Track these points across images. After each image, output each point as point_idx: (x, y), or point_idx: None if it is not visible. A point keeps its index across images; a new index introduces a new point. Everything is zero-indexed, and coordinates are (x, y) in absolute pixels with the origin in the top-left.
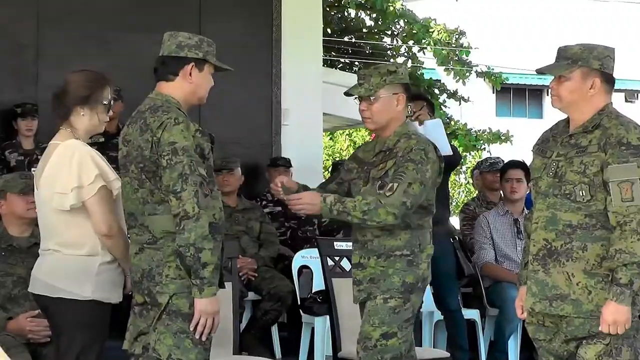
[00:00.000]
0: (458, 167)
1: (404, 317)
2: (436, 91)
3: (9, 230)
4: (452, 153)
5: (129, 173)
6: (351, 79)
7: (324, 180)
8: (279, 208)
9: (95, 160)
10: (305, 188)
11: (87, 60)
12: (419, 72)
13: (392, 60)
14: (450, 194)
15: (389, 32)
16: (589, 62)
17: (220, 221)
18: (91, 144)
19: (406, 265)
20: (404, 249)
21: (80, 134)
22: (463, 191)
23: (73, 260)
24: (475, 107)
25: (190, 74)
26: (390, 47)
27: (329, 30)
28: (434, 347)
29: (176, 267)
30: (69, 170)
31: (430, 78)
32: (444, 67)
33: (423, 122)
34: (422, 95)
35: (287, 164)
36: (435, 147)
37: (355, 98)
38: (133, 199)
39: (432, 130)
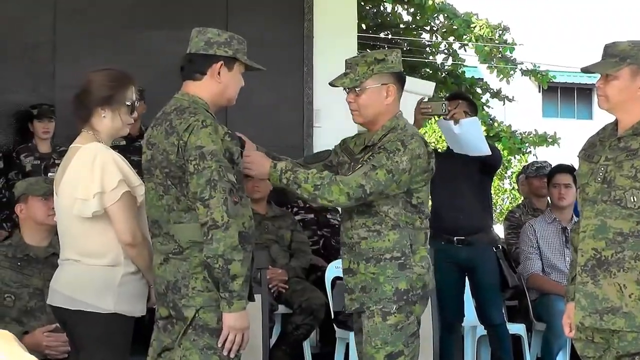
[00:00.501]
0: (502, 172)
1: (409, 332)
2: (478, 90)
3: (25, 239)
4: (490, 153)
5: (154, 178)
6: None
7: (311, 155)
8: (311, 215)
9: (119, 164)
10: (268, 155)
11: (106, 59)
12: (459, 70)
13: (431, 58)
14: (494, 200)
15: (428, 28)
16: (638, 59)
17: (250, 230)
18: (112, 147)
19: (398, 270)
20: (392, 250)
21: (102, 136)
22: (508, 197)
23: (94, 271)
24: (520, 108)
25: (218, 73)
26: (429, 43)
27: (363, 26)
28: None
29: (203, 279)
30: (91, 175)
31: (472, 77)
32: (486, 65)
33: (458, 120)
34: (461, 94)
35: None
36: (426, 142)
37: (344, 90)
38: (158, 206)
39: (468, 129)
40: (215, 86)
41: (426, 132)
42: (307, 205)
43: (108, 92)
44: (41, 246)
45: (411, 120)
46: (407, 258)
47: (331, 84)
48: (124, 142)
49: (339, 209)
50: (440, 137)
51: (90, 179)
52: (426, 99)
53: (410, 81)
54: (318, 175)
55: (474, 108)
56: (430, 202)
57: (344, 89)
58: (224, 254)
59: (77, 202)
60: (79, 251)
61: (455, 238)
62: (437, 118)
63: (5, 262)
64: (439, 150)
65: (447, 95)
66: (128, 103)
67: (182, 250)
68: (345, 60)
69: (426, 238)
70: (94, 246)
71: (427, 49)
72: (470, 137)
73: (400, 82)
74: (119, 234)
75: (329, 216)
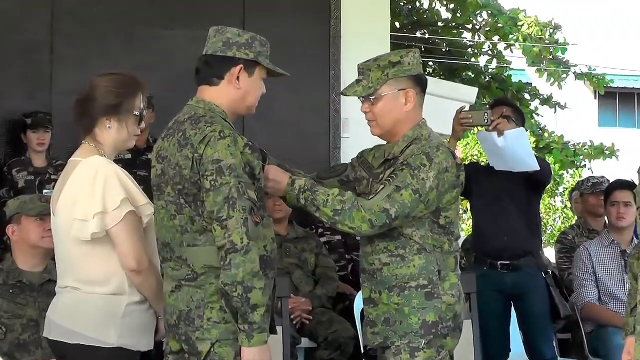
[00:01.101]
0: (553, 188)
1: None
2: (526, 96)
3: (18, 264)
4: (539, 169)
5: (164, 196)
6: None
7: (326, 169)
8: (339, 237)
9: (123, 181)
10: (280, 167)
11: (110, 62)
12: (505, 74)
13: (473, 60)
14: (543, 221)
15: (470, 26)
16: None
17: (272, 254)
18: (116, 161)
19: (425, 300)
20: (419, 277)
21: (106, 149)
22: (559, 217)
23: (95, 300)
24: (573, 116)
25: (237, 78)
26: (471, 43)
27: (397, 25)
28: None
29: (220, 309)
30: (92, 192)
31: (520, 81)
32: (535, 68)
33: (503, 132)
34: (506, 101)
35: None
36: (453, 154)
37: (360, 99)
38: (169, 227)
39: (514, 141)
40: (234, 92)
41: (468, 143)
42: (335, 228)
43: (115, 100)
44: (36, 272)
45: (449, 131)
46: (435, 286)
47: (343, 94)
48: (129, 156)
49: None
50: None
51: (90, 198)
52: (467, 108)
53: (450, 87)
54: (339, 199)
55: (520, 117)
56: (471, 222)
57: (358, 98)
58: (244, 281)
59: (75, 223)
60: (79, 278)
61: (499, 263)
62: (478, 129)
63: None
64: (481, 164)
65: (491, 102)
66: (136, 113)
67: (197, 276)
68: (358, 66)
69: (456, 263)
70: (95, 273)
71: (469, 50)
72: (516, 151)
73: (421, 85)
74: (123, 259)
75: (358, 238)
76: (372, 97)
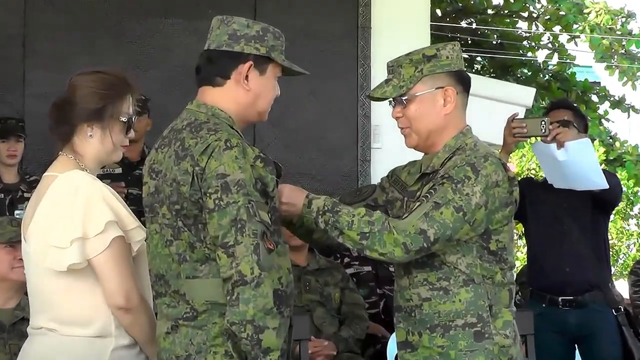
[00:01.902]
0: (626, 209)
1: None
2: (594, 98)
3: None
4: (607, 186)
5: (158, 218)
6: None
7: (350, 192)
8: (368, 268)
9: (108, 200)
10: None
11: (95, 58)
12: (568, 71)
13: (529, 54)
14: (614, 247)
15: (526, 15)
16: None
17: (289, 288)
18: (103, 177)
19: (473, 341)
20: (466, 315)
21: (87, 162)
22: (634, 243)
23: (76, 344)
24: None
25: (246, 77)
26: (528, 35)
27: (439, 12)
28: None
29: (225, 354)
30: (70, 214)
31: (586, 80)
32: (605, 64)
33: (563, 143)
34: (566, 103)
35: None
36: (504, 165)
37: (390, 104)
38: (164, 256)
39: (576, 154)
40: (243, 94)
41: (524, 154)
42: (363, 255)
43: (97, 104)
44: (7, 309)
45: (501, 141)
46: (486, 324)
47: (370, 97)
48: (119, 170)
49: None
50: None
51: (68, 220)
52: (521, 113)
53: (501, 87)
54: (366, 219)
55: (583, 123)
56: (527, 250)
57: (389, 101)
58: (255, 319)
59: (50, 250)
60: (55, 317)
61: (560, 299)
62: (534, 139)
63: None
64: (536, 179)
65: (548, 104)
66: (123, 119)
67: (197, 314)
68: (387, 64)
69: (511, 297)
70: (75, 311)
71: (525, 42)
72: (580, 166)
73: (463, 83)
74: (108, 295)
75: (391, 269)
76: (404, 98)
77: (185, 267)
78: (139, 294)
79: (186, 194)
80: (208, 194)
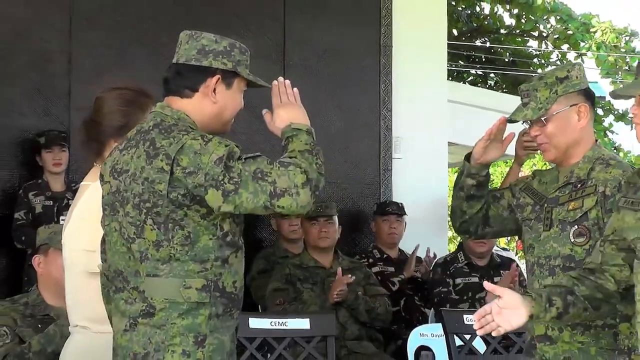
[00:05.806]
0: None
1: None
2: (599, 112)
3: (45, 297)
4: None
5: (119, 217)
6: (485, 96)
7: (498, 189)
8: (391, 268)
9: None
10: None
11: (134, 73)
12: None
13: (539, 71)
14: None
15: (536, 34)
16: None
17: (240, 292)
18: None
19: (613, 341)
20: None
21: None
22: None
23: (107, 340)
24: None
25: (214, 90)
26: (538, 52)
27: (455, 32)
28: None
29: (182, 353)
30: (98, 219)
31: None
32: (610, 80)
33: None
34: None
35: (399, 210)
36: None
37: (523, 124)
38: (122, 253)
39: None
40: (209, 106)
41: (534, 164)
42: (385, 256)
43: (121, 121)
44: (64, 307)
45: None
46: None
47: (509, 121)
48: None
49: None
50: None
51: (96, 225)
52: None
53: (514, 102)
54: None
55: None
56: None
57: (525, 122)
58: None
59: (82, 254)
60: (87, 316)
61: None
62: None
63: (24, 322)
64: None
65: None
66: None
67: (155, 312)
68: (519, 88)
69: None
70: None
71: (535, 59)
72: None
73: (591, 99)
74: None
75: (417, 273)
76: (543, 118)
77: (146, 265)
78: None
79: (163, 191)
80: (214, 186)
